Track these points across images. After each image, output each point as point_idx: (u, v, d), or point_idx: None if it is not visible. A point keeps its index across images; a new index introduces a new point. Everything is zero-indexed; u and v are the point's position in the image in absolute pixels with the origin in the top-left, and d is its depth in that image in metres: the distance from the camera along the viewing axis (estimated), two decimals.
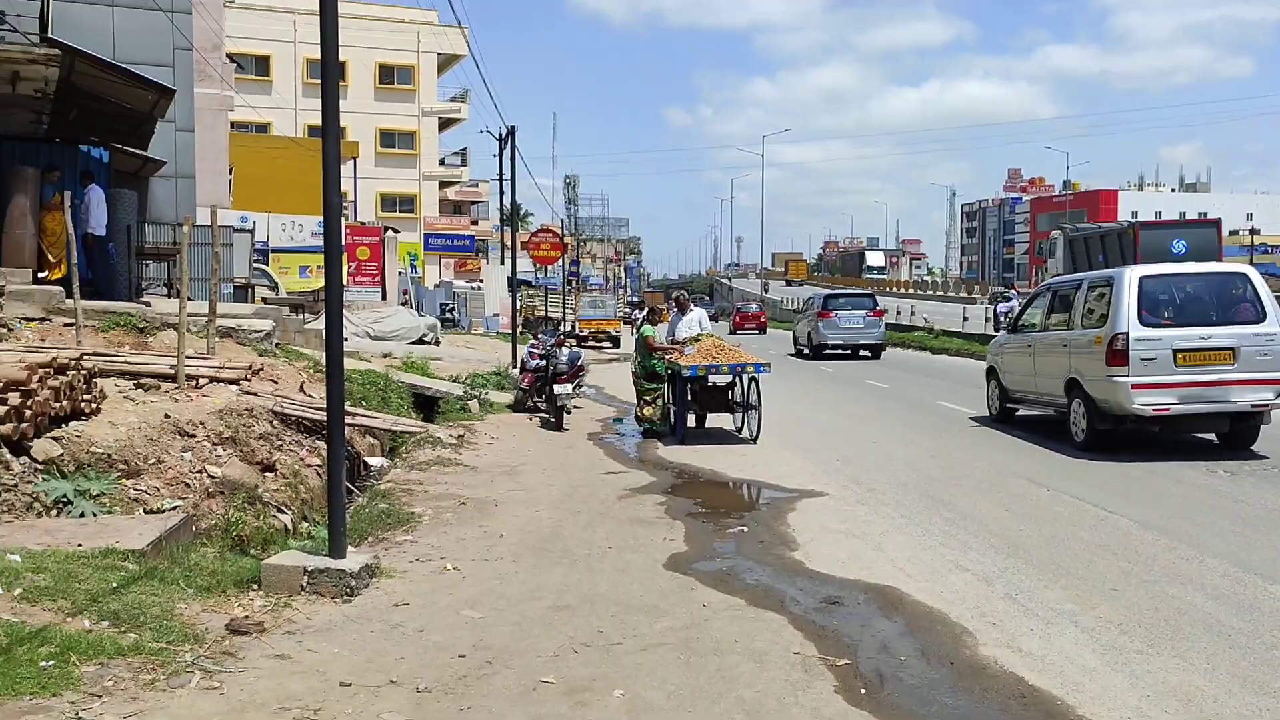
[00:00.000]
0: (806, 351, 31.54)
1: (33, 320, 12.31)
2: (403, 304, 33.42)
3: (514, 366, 20.68)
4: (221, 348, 12.63)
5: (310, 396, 11.53)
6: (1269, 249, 79.02)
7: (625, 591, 6.53)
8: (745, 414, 13.41)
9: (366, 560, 6.56)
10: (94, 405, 9.02)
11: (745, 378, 13.33)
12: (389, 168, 56.78)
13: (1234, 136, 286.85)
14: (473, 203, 71.26)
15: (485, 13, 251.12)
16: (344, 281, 6.89)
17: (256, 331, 14.64)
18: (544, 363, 15.83)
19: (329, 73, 6.59)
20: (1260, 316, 11.26)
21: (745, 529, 8.38)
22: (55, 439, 8.03)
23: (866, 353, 30.35)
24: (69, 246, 12.44)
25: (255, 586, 6.17)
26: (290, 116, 49.25)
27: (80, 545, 6.32)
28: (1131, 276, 11.54)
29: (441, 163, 62.54)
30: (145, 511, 7.66)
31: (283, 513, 8.70)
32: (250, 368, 11.70)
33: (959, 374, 23.05)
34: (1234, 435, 11.74)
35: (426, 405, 15.78)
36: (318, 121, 6.93)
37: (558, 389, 14.54)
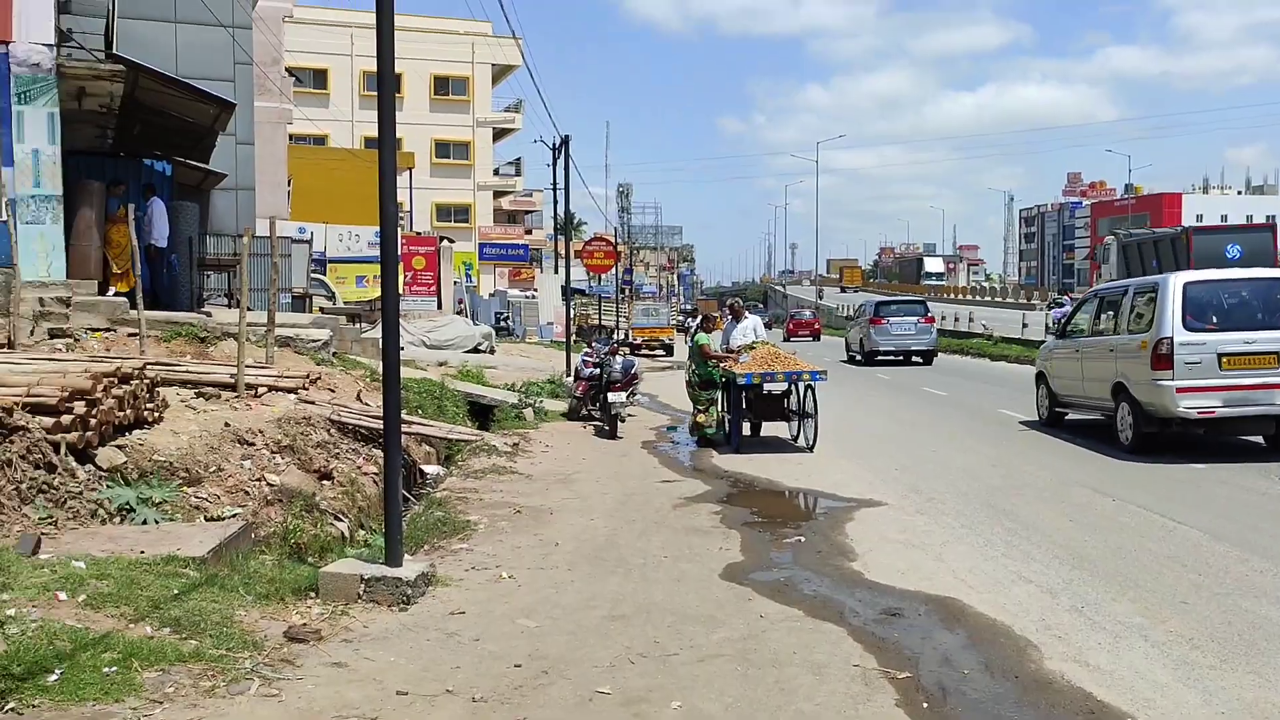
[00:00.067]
0: (859, 357, 31.64)
1: (98, 330, 12.56)
2: (458, 313, 33.66)
3: (568, 375, 20.72)
4: (280, 357, 12.78)
5: (367, 405, 11.62)
6: None
7: (681, 601, 6.47)
8: (801, 422, 13.28)
9: (423, 569, 6.57)
10: (156, 414, 9.17)
11: (801, 386, 13.21)
12: (444, 178, 57.30)
13: None
14: (526, 212, 71.67)
15: (539, 23, 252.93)
16: (400, 291, 6.92)
17: (314, 341, 14.80)
18: (598, 371, 15.82)
19: (385, 85, 6.63)
20: None
21: (802, 539, 8.28)
22: (119, 447, 8.17)
23: (919, 359, 30.44)
24: (133, 258, 12.69)
25: (313, 594, 6.20)
26: (347, 128, 49.93)
27: (143, 552, 6.40)
28: (1176, 282, 11.73)
29: (496, 172, 63.03)
30: (206, 519, 7.75)
31: (340, 520, 8.76)
32: (308, 376, 11.83)
33: (1018, 381, 22.65)
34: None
35: (482, 413, 15.85)
36: (374, 133, 6.97)
37: (612, 397, 14.53)
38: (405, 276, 30.30)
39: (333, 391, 12.17)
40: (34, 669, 4.46)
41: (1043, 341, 20.44)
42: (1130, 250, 31.16)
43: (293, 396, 10.97)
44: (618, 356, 15.56)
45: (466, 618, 6.06)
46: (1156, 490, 9.88)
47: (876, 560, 7.51)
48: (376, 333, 18.10)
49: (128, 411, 8.58)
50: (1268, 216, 73.02)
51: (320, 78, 52.67)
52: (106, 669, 4.63)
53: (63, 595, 5.41)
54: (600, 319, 43.98)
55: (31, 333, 11.85)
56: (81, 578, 5.69)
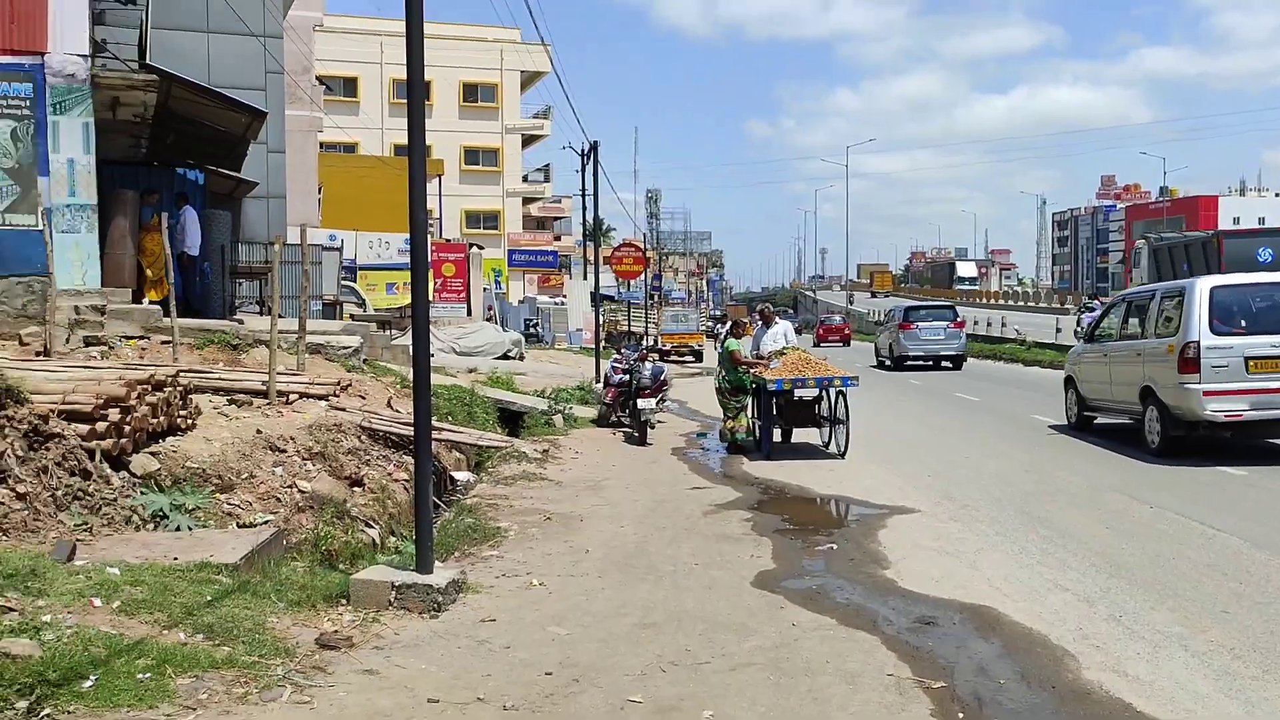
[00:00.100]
0: (888, 363, 31.74)
1: (132, 338, 12.68)
2: (488, 320, 33.77)
3: (597, 381, 20.73)
4: (311, 364, 12.85)
5: (397, 412, 11.66)
6: None
7: (712, 609, 6.43)
8: (832, 428, 13.20)
9: (453, 576, 6.56)
10: (189, 421, 9.23)
11: (832, 391, 13.13)
12: (473, 185, 57.56)
13: None
14: (555, 218, 71.89)
15: (568, 29, 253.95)
16: (430, 298, 6.94)
17: (345, 348, 14.89)
18: (627, 377, 15.81)
19: (415, 93, 6.65)
20: None
21: (834, 546, 8.21)
22: (153, 454, 8.22)
23: (948, 364, 30.49)
24: (167, 266, 12.81)
25: (344, 601, 6.21)
26: (377, 136, 50.27)
27: (176, 559, 6.43)
28: (1203, 286, 11.87)
29: (525, 179, 63.22)
30: (238, 525, 7.79)
31: (370, 527, 8.78)
32: (339, 383, 11.88)
33: (1052, 386, 22.40)
34: None
35: (511, 420, 15.87)
36: (404, 140, 6.99)
37: (641, 403, 14.50)
38: (435, 283, 30.42)
39: (363, 398, 12.22)
40: (69, 675, 4.48)
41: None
42: (1161, 254, 30.97)
43: (324, 403, 11.02)
44: (647, 363, 15.55)
45: (497, 625, 6.05)
46: (1191, 495, 9.74)
47: (910, 568, 7.44)
48: (407, 339, 18.21)
49: (161, 419, 8.65)
50: None
51: (350, 86, 53.03)
52: (141, 675, 4.65)
53: (97, 601, 5.45)
54: (629, 325, 44.01)
55: (67, 340, 11.98)
56: (116, 584, 5.73)
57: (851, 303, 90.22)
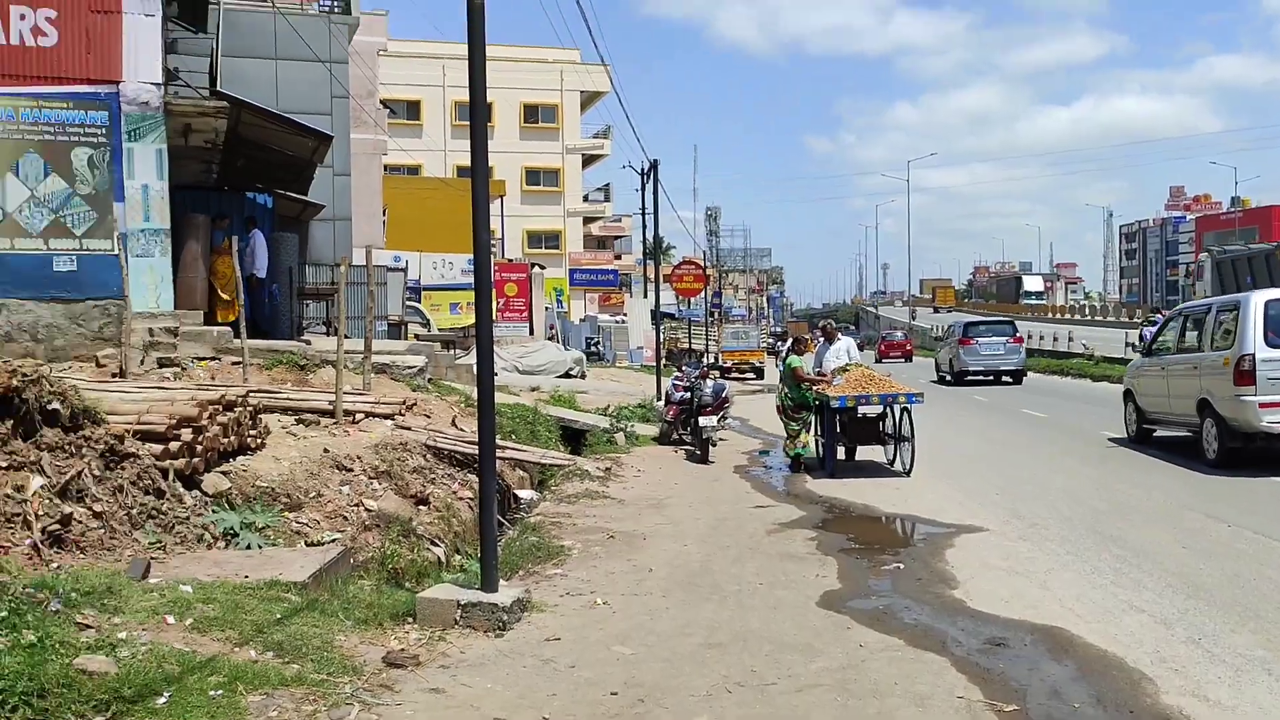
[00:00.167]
0: (948, 378, 31.95)
1: (204, 359, 12.94)
2: (549, 338, 33.96)
3: (659, 399, 20.72)
4: (377, 384, 13.01)
5: (462, 430, 11.75)
6: None
7: (778, 629, 6.37)
8: (897, 446, 13.05)
9: (518, 594, 6.58)
10: (259, 440, 9.39)
11: (896, 408, 12.98)
12: (534, 205, 58.00)
13: None
14: (616, 237, 72.13)
15: (627, 49, 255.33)
16: (493, 317, 6.99)
17: (410, 367, 15.05)
18: (688, 395, 15.78)
19: (478, 114, 6.72)
20: None
21: (901, 565, 8.10)
22: (224, 473, 8.38)
23: (1008, 378, 30.61)
24: (236, 288, 13.07)
25: (410, 619, 6.25)
26: (440, 158, 50.91)
27: (246, 577, 6.53)
28: (1258, 300, 12.02)
29: (585, 199, 63.57)
30: (306, 544, 7.89)
31: (436, 545, 8.85)
32: (404, 403, 12.01)
33: (1120, 402, 22.03)
34: None
35: (574, 438, 15.92)
36: (466, 162, 7.06)
37: (703, 421, 14.46)
38: (498, 303, 30.67)
39: (428, 417, 12.33)
40: (144, 691, 4.56)
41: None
42: (1224, 267, 30.44)
43: (389, 422, 11.15)
44: (708, 380, 15.49)
45: (562, 644, 6.05)
46: (1264, 511, 9.48)
47: (979, 588, 7.31)
48: (470, 359, 18.36)
49: (232, 438, 8.81)
50: None
51: (413, 109, 53.81)
52: (213, 692, 4.72)
53: (171, 619, 5.54)
54: (690, 343, 43.94)
55: (142, 362, 12.26)
56: (189, 601, 5.83)
57: (914, 318, 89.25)
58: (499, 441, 9.76)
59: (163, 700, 4.55)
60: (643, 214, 33.45)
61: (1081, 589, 7.20)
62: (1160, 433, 14.64)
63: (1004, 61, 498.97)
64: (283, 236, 17.94)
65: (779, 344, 46.57)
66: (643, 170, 30.37)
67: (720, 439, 15.33)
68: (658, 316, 29.46)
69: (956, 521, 9.74)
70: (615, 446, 15.47)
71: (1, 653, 4.51)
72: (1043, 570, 7.79)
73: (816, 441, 13.65)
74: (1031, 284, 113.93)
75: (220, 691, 4.74)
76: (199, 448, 8.14)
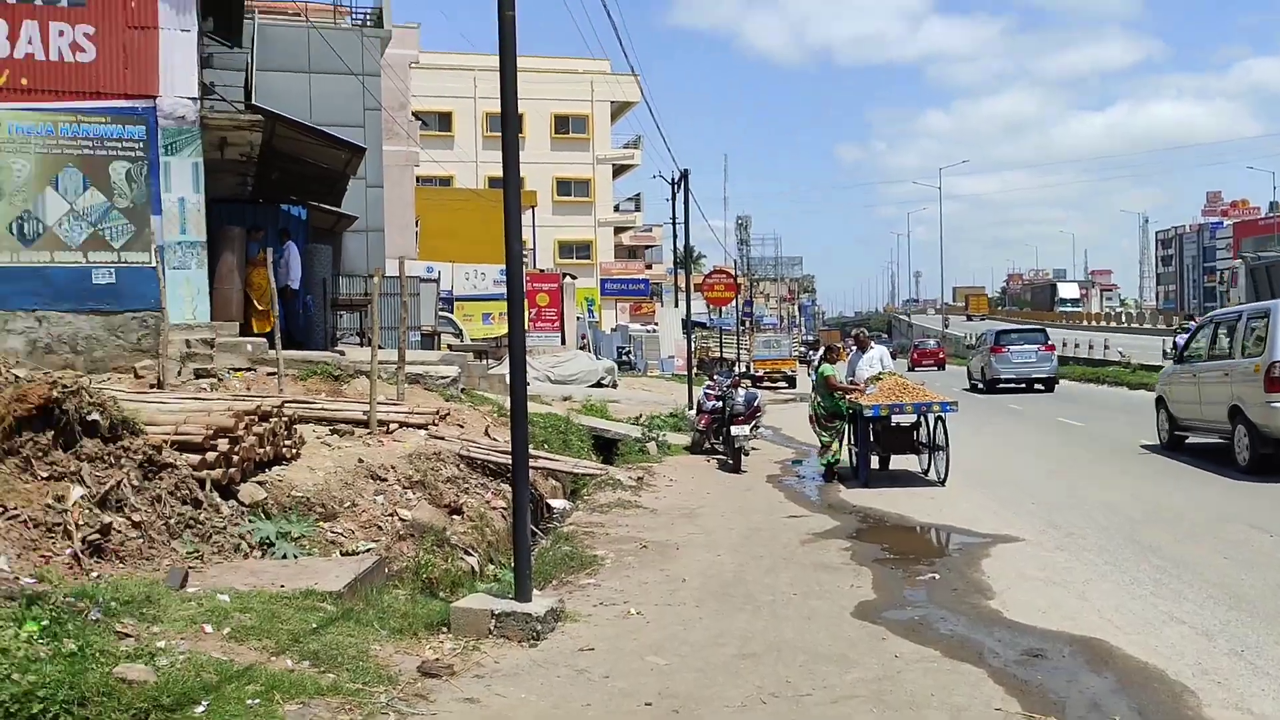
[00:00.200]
0: (980, 386, 32.10)
1: (239, 370, 13.07)
2: (581, 348, 34.04)
3: (690, 408, 20.69)
4: (410, 394, 13.08)
5: (495, 440, 11.79)
6: None
7: (812, 640, 6.33)
8: (931, 455, 12.95)
9: (551, 604, 6.59)
10: (294, 450, 9.47)
11: (931, 417, 12.89)
12: (565, 215, 58.20)
13: None
14: (646, 247, 72.28)
15: (657, 59, 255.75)
16: (525, 327, 7.02)
17: (443, 377, 15.13)
18: (720, 404, 15.74)
19: (509, 126, 6.75)
20: None
21: (936, 576, 8.03)
22: (260, 483, 8.45)
23: (1040, 386, 30.74)
24: (271, 300, 13.19)
25: (445, 629, 6.27)
26: (471, 169, 51.21)
27: (282, 586, 6.58)
28: None
29: (616, 209, 63.74)
30: (341, 553, 7.94)
31: (469, 555, 8.88)
32: (437, 413, 12.07)
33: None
34: None
35: (606, 447, 15.93)
36: (498, 173, 7.11)
37: (735, 430, 14.42)
38: (529, 313, 30.77)
39: (461, 427, 12.39)
40: (182, 700, 4.59)
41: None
42: (1259, 273, 30.16)
43: (423, 432, 11.21)
44: (740, 389, 15.45)
45: (596, 654, 6.04)
46: None
47: (1015, 598, 7.23)
48: (503, 369, 18.43)
49: (267, 448, 8.88)
50: None
51: (445, 120, 54.18)
52: (250, 701, 4.74)
53: (209, 628, 5.59)
54: (721, 352, 43.86)
55: (179, 373, 12.40)
56: (226, 611, 5.87)
57: (947, 326, 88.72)
58: (532, 451, 9.80)
59: (201, 709, 4.58)
60: (673, 223, 33.52)
61: (1120, 600, 7.11)
62: (1192, 439, 14.70)
63: (1037, 67, 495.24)
64: (317, 248, 18.10)
65: (811, 352, 46.45)
66: (673, 180, 30.43)
67: (753, 448, 15.29)
68: (689, 325, 29.46)
69: (992, 531, 9.65)
70: (647, 456, 15.46)
71: (43, 661, 4.56)
72: (1080, 580, 7.70)
73: (850, 451, 13.58)
74: (1067, 291, 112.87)
75: (257, 701, 4.76)
76: (235, 458, 8.22)
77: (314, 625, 5.86)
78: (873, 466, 13.43)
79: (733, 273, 38.06)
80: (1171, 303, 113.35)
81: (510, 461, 7.00)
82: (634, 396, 25.02)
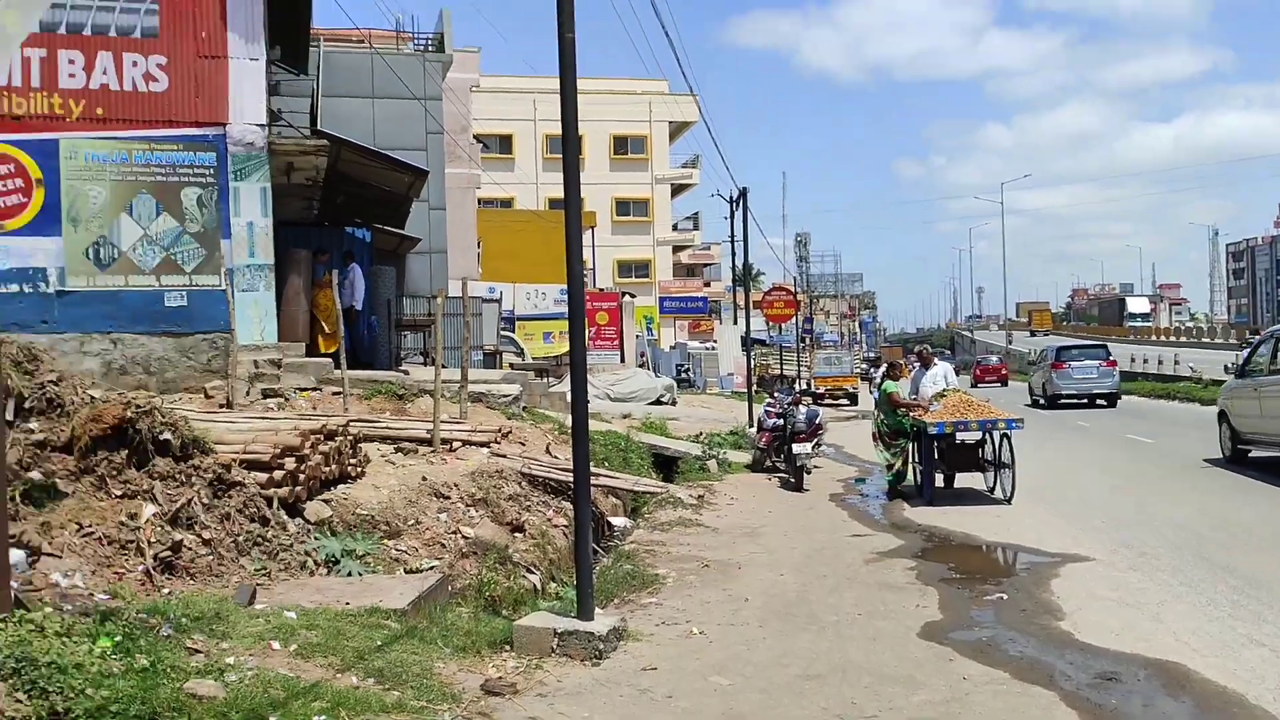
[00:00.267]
0: (1041, 401, 32.09)
1: (306, 390, 13.27)
2: (640, 366, 34.06)
3: (751, 426, 20.59)
4: (473, 412, 13.18)
5: (556, 458, 11.83)
6: None
7: (878, 660, 6.24)
8: (997, 473, 12.74)
9: (614, 623, 6.57)
10: (359, 469, 9.58)
11: (996, 434, 12.69)
12: (624, 235, 58.39)
13: None
14: (705, 265, 72.23)
15: (715, 79, 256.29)
16: (585, 345, 7.04)
17: (505, 396, 15.22)
18: (781, 421, 15.64)
19: (570, 147, 6.79)
20: None
21: (1004, 596, 7.89)
22: (325, 501, 8.56)
23: (1102, 401, 30.62)
24: (337, 321, 13.40)
25: (507, 647, 6.29)
26: (532, 191, 51.64)
27: (348, 603, 6.65)
28: None
29: (674, 227, 63.81)
30: (405, 571, 8.01)
31: (531, 573, 8.90)
32: (499, 431, 12.15)
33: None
34: None
35: (665, 465, 15.90)
36: (558, 194, 7.16)
37: (796, 448, 14.32)
38: (589, 332, 30.89)
39: (523, 445, 12.45)
40: (251, 716, 4.65)
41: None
42: None
43: (485, 450, 11.28)
44: (801, 406, 15.34)
45: (658, 674, 6.02)
46: None
47: (1087, 619, 7.08)
48: (563, 387, 18.51)
49: (333, 467, 9.00)
50: None
51: (506, 143, 54.69)
52: (317, 718, 4.79)
53: (276, 644, 5.67)
54: (781, 369, 43.66)
55: (247, 393, 12.62)
56: (293, 628, 5.95)
57: (1010, 342, 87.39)
58: (592, 469, 9.81)
59: None
60: (731, 241, 33.41)
61: (1197, 621, 6.93)
62: (1255, 453, 14.68)
63: (1099, 79, 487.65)
64: (381, 269, 18.36)
65: (872, 369, 46.01)
66: (731, 198, 30.39)
67: (815, 466, 15.17)
68: (749, 343, 29.37)
69: (1061, 550, 9.46)
70: (708, 474, 15.40)
71: (116, 676, 4.65)
72: (1154, 601, 7.52)
73: (914, 469, 13.41)
74: (1136, 305, 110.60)
75: (324, 717, 4.81)
76: (302, 476, 8.34)
77: (379, 643, 5.91)
78: (937, 484, 13.25)
79: (792, 289, 37.91)
80: (1244, 316, 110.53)
81: (571, 479, 7.01)
82: (693, 414, 24.95)
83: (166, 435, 7.47)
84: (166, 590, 6.52)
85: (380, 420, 12.02)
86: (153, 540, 6.82)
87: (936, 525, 11.11)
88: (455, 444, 11.27)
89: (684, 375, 41.29)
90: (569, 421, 7.19)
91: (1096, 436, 21.34)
